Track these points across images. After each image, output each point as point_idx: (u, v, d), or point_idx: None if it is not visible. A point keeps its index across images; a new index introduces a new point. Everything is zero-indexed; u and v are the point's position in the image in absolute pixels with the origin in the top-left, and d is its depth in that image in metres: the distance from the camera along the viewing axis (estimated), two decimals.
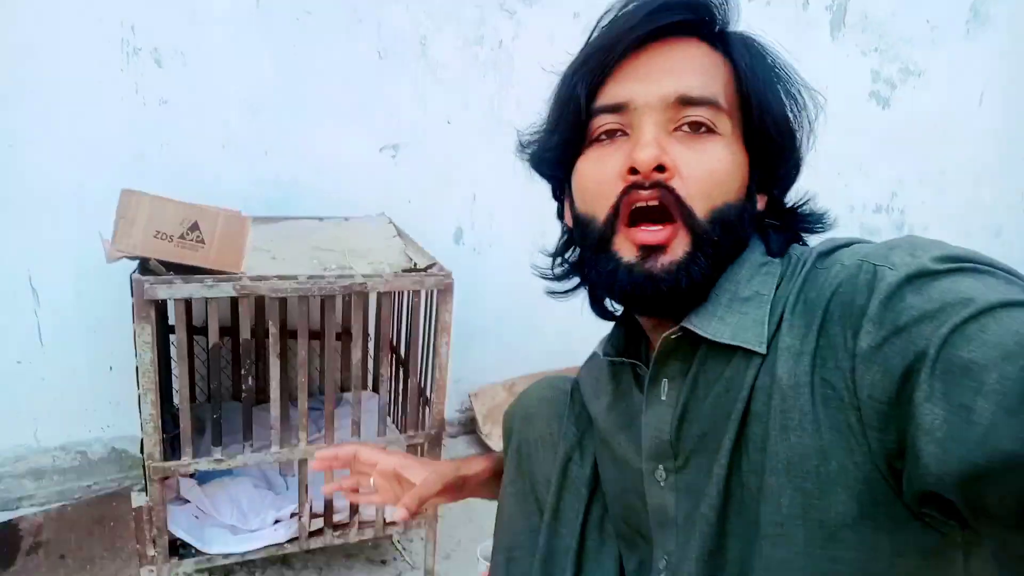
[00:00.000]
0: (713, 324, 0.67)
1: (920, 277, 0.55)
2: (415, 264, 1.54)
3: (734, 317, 0.67)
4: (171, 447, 1.64)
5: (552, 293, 0.84)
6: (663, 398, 0.73)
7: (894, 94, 2.79)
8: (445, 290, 1.46)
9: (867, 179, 2.87)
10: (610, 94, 0.69)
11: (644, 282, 0.66)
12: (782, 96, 0.70)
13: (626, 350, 0.83)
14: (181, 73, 1.74)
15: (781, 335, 0.64)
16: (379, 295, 1.44)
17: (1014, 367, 0.47)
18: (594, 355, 0.91)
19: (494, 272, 2.21)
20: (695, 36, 0.70)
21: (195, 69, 1.76)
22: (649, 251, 0.67)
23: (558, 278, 0.83)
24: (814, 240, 0.75)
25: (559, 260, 0.83)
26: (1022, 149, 3.10)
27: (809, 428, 0.60)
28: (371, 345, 1.94)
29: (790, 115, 0.70)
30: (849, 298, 0.59)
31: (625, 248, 0.68)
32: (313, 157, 1.94)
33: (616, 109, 0.69)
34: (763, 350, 0.64)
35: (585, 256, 0.76)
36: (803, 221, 0.76)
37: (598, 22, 0.71)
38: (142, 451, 1.31)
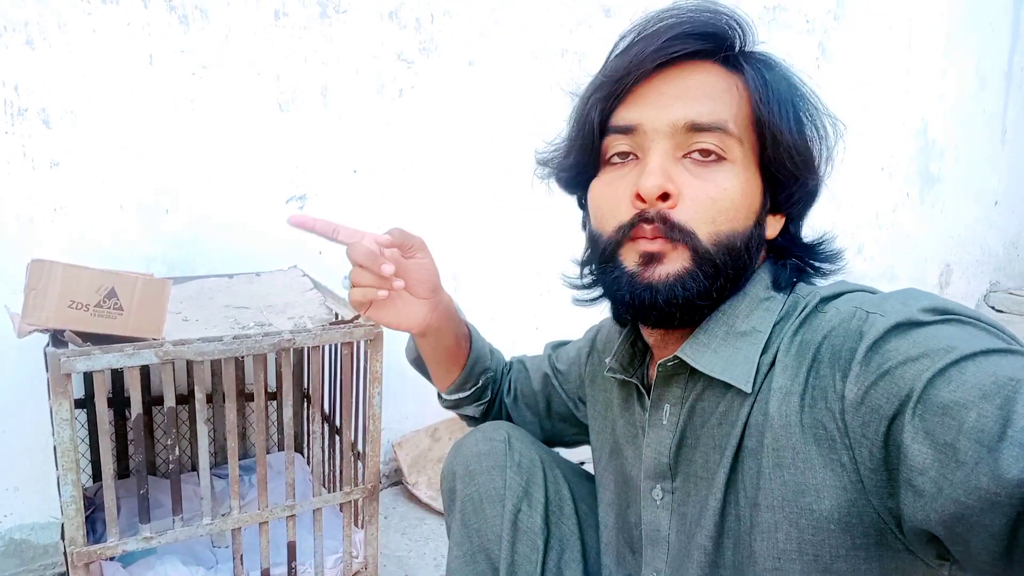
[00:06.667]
0: (706, 356, 0.69)
1: (907, 325, 0.58)
2: (338, 315, 1.52)
3: (727, 351, 0.69)
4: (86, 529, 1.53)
5: (578, 302, 0.85)
6: (664, 422, 0.75)
7: None
8: (375, 340, 1.45)
9: None
10: (622, 116, 0.71)
11: (643, 292, 0.68)
12: (797, 121, 0.70)
13: (630, 365, 0.84)
14: (72, 133, 1.66)
15: (775, 374, 0.66)
16: (307, 351, 1.41)
17: (991, 405, 0.50)
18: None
19: None
20: (710, 58, 0.70)
21: (87, 129, 1.68)
22: (649, 259, 0.69)
23: (585, 287, 0.84)
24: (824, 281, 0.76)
25: (587, 270, 0.84)
26: (875, 174, 3.42)
27: (802, 466, 0.62)
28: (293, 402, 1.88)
29: (807, 141, 0.71)
30: (840, 342, 0.62)
31: (629, 257, 0.70)
32: (217, 213, 1.88)
33: (627, 131, 0.71)
34: (749, 389, 0.67)
35: (596, 268, 0.78)
36: (816, 258, 0.77)
37: (615, 46, 0.73)
38: (63, 536, 1.22)
